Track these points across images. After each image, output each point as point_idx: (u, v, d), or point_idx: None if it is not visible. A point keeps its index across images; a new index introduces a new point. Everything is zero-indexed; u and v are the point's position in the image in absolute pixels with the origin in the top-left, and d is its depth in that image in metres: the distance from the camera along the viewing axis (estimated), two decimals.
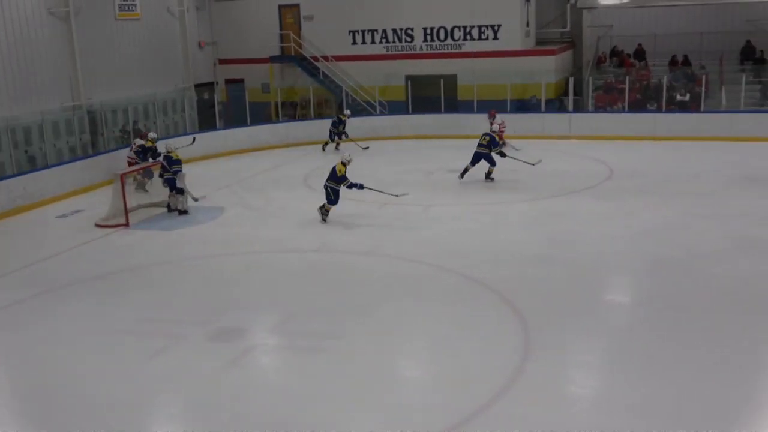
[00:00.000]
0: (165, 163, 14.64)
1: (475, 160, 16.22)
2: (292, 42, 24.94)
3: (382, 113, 23.79)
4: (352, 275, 11.02)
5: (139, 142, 16.82)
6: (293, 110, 24.97)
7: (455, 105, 23.48)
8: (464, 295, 10.04)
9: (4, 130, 16.73)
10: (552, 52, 23.79)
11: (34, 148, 17.74)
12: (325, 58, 24.62)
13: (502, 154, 16.14)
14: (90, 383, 7.83)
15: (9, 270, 11.67)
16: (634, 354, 8.10)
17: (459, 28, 23.83)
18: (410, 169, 18.31)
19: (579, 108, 22.63)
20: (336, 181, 13.47)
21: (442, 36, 24.09)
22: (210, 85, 25.33)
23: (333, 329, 8.93)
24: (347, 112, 21.36)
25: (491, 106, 21.26)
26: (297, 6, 25.27)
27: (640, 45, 24.69)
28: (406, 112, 23.31)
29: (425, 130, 21.86)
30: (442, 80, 23.00)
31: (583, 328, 8.79)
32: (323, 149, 21.01)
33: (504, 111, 21.77)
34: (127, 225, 13.82)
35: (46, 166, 17.01)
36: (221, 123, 23.58)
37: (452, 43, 24.00)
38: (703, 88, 21.39)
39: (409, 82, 23.66)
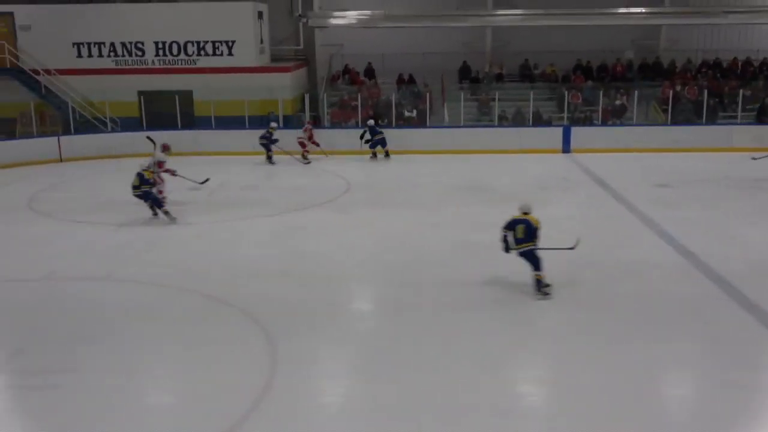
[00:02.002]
0: None
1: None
2: (6, 53, 22.86)
3: (114, 130, 22.65)
4: (85, 303, 10.32)
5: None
6: (12, 127, 22.92)
7: (192, 121, 23.01)
8: (207, 315, 9.84)
9: None
10: (287, 69, 24.20)
11: None
12: (48, 72, 22.90)
13: None
14: None
15: None
16: (381, 356, 8.48)
17: (192, 43, 23.40)
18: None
19: (316, 124, 23.21)
20: (534, 239, 9.91)
21: (175, 51, 23.47)
22: None
23: (66, 363, 8.34)
24: (273, 124, 20.65)
25: (229, 123, 21.10)
26: (11, 14, 23.21)
27: (370, 64, 25.95)
28: (141, 129, 22.39)
29: None
30: (177, 96, 22.45)
31: (330, 338, 9.05)
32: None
33: (243, 127, 21.88)
34: None
35: None
36: None
37: (186, 58, 23.49)
38: (428, 105, 23.03)
39: (141, 98, 22.81)
